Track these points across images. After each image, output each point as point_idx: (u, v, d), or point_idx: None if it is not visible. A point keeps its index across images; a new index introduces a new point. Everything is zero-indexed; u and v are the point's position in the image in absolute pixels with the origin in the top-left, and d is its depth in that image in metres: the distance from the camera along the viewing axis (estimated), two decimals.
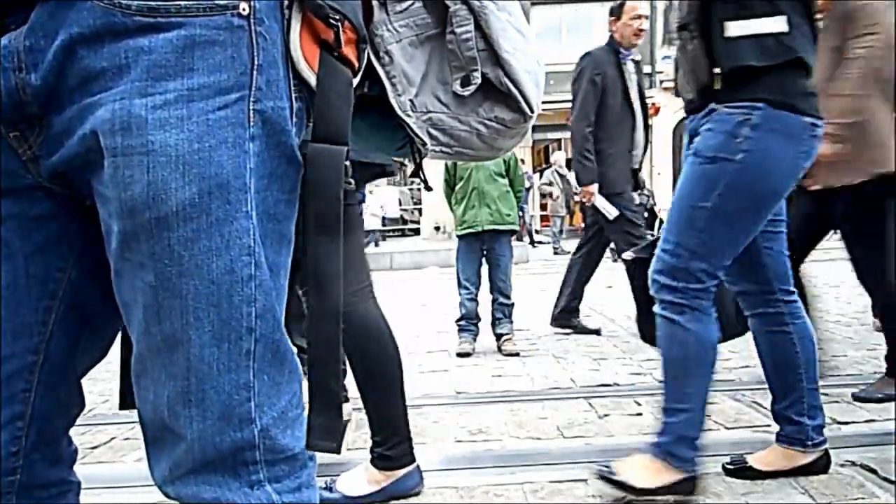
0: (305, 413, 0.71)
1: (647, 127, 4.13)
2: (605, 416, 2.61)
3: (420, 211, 15.64)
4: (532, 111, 0.80)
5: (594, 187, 3.91)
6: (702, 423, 1.77)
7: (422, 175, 0.85)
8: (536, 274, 8.29)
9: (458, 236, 4.02)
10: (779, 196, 1.72)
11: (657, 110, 17.07)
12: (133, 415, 0.71)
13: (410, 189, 18.05)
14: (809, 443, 1.88)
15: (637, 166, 4.10)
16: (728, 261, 1.73)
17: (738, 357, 3.42)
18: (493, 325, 4.02)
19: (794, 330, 1.87)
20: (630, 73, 4.05)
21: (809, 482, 1.87)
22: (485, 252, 3.99)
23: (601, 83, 3.93)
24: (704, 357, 1.74)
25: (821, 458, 1.91)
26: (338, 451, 0.69)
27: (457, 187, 4.01)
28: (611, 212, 3.90)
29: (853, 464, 1.98)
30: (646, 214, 3.91)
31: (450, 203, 4.14)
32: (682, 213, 1.73)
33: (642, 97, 4.08)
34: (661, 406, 1.80)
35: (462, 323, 3.97)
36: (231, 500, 0.66)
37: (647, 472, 1.78)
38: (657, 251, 1.78)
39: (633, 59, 4.09)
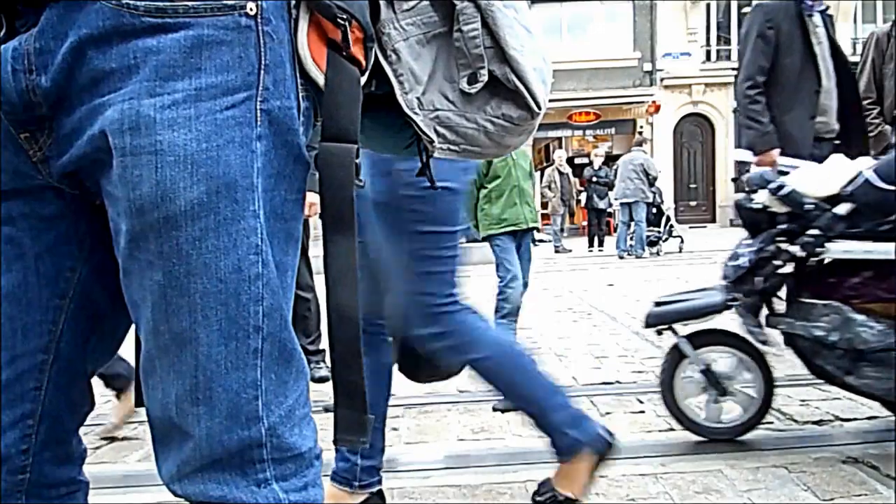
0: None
1: (845, 90, 3.24)
2: (608, 413, 2.62)
3: None
4: (539, 108, 0.80)
5: (775, 153, 3.03)
6: (560, 401, 1.71)
7: (428, 173, 0.85)
8: (539, 273, 8.28)
9: (493, 235, 3.92)
10: (463, 197, 1.70)
11: (657, 108, 17.10)
12: (135, 415, 0.71)
13: None
14: (357, 485, 1.77)
15: (831, 135, 3.24)
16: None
17: None
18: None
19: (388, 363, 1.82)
20: (816, 27, 3.18)
21: (812, 478, 1.87)
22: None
23: (774, 39, 3.13)
24: (508, 358, 1.70)
25: (371, 498, 1.79)
26: (365, 444, 0.70)
27: (491, 185, 3.90)
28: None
29: (855, 460, 1.98)
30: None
31: (474, 202, 3.99)
32: (406, 260, 1.67)
33: (837, 55, 3.23)
34: (531, 425, 1.75)
35: (514, 318, 3.83)
36: (238, 498, 0.66)
37: (577, 475, 1.72)
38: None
39: (821, 11, 3.22)
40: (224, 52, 0.63)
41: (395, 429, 2.53)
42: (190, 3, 0.62)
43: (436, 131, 0.78)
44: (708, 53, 17.74)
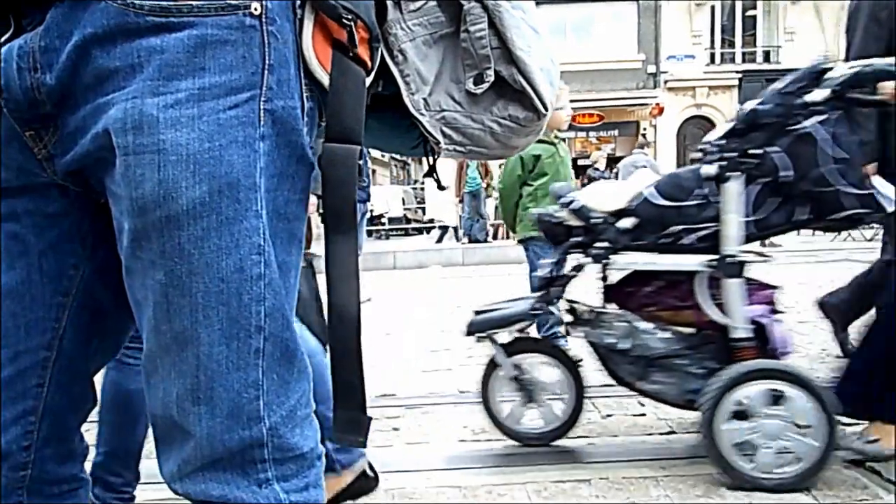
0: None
1: None
2: (609, 416, 2.61)
3: (423, 210, 15.64)
4: (546, 109, 0.80)
5: (870, 168, 2.31)
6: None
7: (435, 175, 0.85)
8: None
9: (533, 238, 3.51)
10: None
11: (661, 110, 17.07)
12: None
13: (414, 188, 18.06)
14: (339, 467, 1.82)
15: None
16: None
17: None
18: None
19: None
20: None
21: (813, 481, 1.87)
22: None
23: (889, 22, 2.34)
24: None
25: (360, 477, 1.85)
26: (363, 446, 0.70)
27: (537, 183, 3.58)
28: (889, 199, 2.28)
29: (857, 464, 1.98)
30: None
31: (515, 200, 3.67)
32: None
33: None
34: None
35: (557, 330, 3.51)
36: (239, 497, 0.66)
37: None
38: None
39: None
40: (228, 52, 0.63)
41: (395, 429, 2.53)
42: (194, 3, 0.62)
43: (442, 132, 0.78)
44: (712, 56, 17.72)
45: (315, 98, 0.70)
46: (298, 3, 0.67)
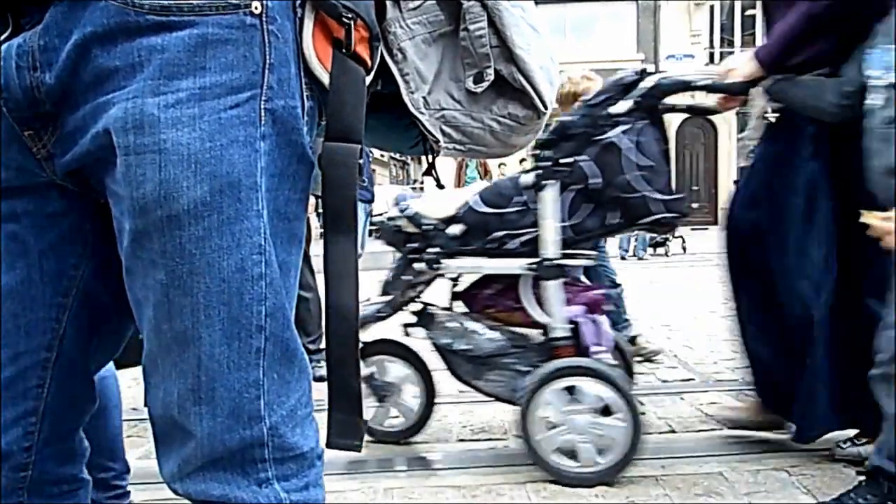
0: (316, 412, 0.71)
1: None
2: None
3: None
4: (546, 108, 0.80)
5: None
6: None
7: (434, 173, 0.85)
8: None
9: None
10: None
11: None
12: (136, 412, 0.71)
13: (413, 188, 18.06)
14: None
15: None
16: None
17: (742, 357, 3.41)
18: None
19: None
20: None
21: (812, 481, 1.87)
22: None
23: None
24: None
25: None
26: (358, 450, 0.70)
27: None
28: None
29: (856, 463, 1.98)
30: None
31: None
32: None
33: None
34: None
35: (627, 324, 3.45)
36: (239, 497, 0.66)
37: None
38: None
39: None
40: (229, 51, 0.62)
41: None
42: (195, 2, 0.62)
43: (441, 131, 0.78)
44: (711, 56, 17.71)
45: (315, 97, 0.70)
46: (299, 2, 0.67)
